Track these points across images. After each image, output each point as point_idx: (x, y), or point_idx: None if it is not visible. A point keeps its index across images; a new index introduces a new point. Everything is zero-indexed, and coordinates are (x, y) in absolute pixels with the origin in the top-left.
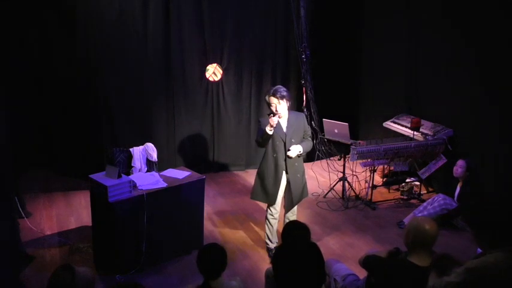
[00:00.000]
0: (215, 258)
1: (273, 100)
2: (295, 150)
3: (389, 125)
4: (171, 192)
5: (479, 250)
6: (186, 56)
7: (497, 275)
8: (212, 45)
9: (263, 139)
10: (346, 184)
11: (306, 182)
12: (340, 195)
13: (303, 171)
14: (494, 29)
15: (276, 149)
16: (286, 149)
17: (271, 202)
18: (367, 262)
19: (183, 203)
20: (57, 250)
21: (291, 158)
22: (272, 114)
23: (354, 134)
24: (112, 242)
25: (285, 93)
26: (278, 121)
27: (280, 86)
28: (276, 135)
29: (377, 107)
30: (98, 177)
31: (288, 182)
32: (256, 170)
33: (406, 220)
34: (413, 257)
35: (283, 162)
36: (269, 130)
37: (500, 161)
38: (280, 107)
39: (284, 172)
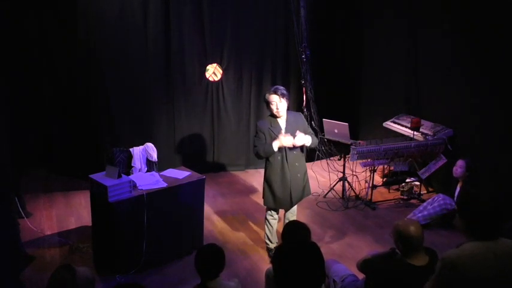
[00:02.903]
0: (212, 259)
1: (274, 98)
2: (301, 138)
3: (389, 125)
4: (171, 192)
5: None
6: (186, 56)
7: (470, 264)
8: (212, 45)
9: (267, 155)
10: (346, 184)
11: (307, 181)
12: (340, 195)
13: (305, 171)
14: (495, 29)
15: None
16: (286, 150)
17: (284, 208)
18: (365, 266)
19: (183, 203)
20: (57, 250)
21: (295, 146)
22: (284, 135)
23: (354, 134)
24: (112, 242)
25: (285, 92)
26: (277, 121)
27: (279, 85)
28: (276, 137)
29: (377, 107)
30: (98, 177)
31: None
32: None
33: None
34: (409, 258)
35: (286, 163)
36: (276, 148)
37: (500, 161)
38: (281, 105)
39: (288, 173)
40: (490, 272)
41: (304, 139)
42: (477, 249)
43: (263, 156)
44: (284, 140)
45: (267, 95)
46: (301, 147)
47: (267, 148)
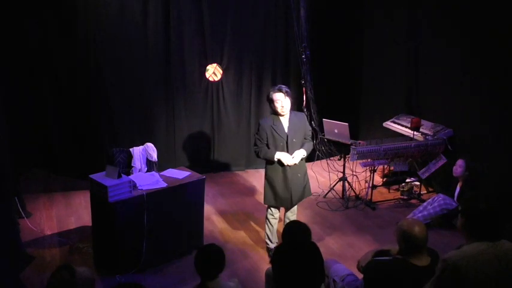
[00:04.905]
0: (212, 259)
1: (279, 96)
2: (299, 155)
3: (389, 125)
4: (171, 192)
5: None
6: (186, 56)
7: (472, 266)
8: (212, 45)
9: (265, 159)
10: (346, 184)
11: (308, 181)
12: (340, 195)
13: (305, 171)
14: (495, 29)
15: (279, 150)
16: (289, 149)
17: (285, 206)
18: (367, 268)
19: (183, 203)
20: (57, 250)
21: (294, 164)
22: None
23: (354, 134)
24: (112, 242)
25: (288, 90)
26: (280, 119)
27: (282, 85)
28: (278, 136)
29: (377, 107)
30: (98, 177)
31: None
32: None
33: None
34: (411, 258)
35: None
36: (276, 158)
37: (500, 160)
38: (286, 102)
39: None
40: (492, 275)
41: (301, 154)
42: (479, 251)
43: (261, 158)
44: (285, 159)
45: (271, 93)
46: (301, 147)
47: (268, 154)
